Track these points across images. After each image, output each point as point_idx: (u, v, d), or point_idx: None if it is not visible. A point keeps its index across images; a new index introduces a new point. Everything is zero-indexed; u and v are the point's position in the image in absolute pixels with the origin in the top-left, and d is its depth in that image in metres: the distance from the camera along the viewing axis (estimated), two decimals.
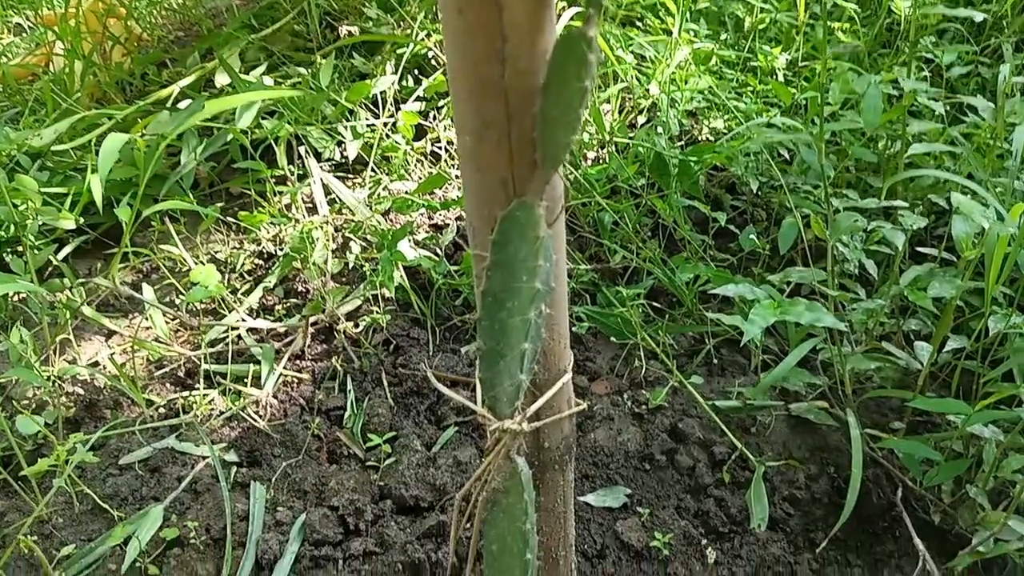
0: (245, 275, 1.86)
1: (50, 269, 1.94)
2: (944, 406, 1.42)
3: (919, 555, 1.60)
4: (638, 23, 2.55)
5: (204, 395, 1.56)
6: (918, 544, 1.52)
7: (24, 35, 3.48)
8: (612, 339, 1.82)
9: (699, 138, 2.30)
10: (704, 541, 1.47)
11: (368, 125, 1.92)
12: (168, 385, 1.64)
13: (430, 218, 1.89)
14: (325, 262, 1.68)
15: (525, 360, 0.80)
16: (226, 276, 1.85)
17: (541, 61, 0.70)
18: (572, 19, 1.96)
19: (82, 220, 1.94)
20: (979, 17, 1.64)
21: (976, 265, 1.62)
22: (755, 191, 2.04)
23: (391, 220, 1.82)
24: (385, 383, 1.59)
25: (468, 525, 0.93)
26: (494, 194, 0.78)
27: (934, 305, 1.62)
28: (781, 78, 2.45)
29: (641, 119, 2.24)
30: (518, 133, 0.74)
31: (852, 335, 1.72)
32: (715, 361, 1.83)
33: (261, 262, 1.90)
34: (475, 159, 0.78)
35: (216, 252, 1.92)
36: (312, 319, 1.62)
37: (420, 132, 2.04)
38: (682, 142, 2.25)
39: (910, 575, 1.59)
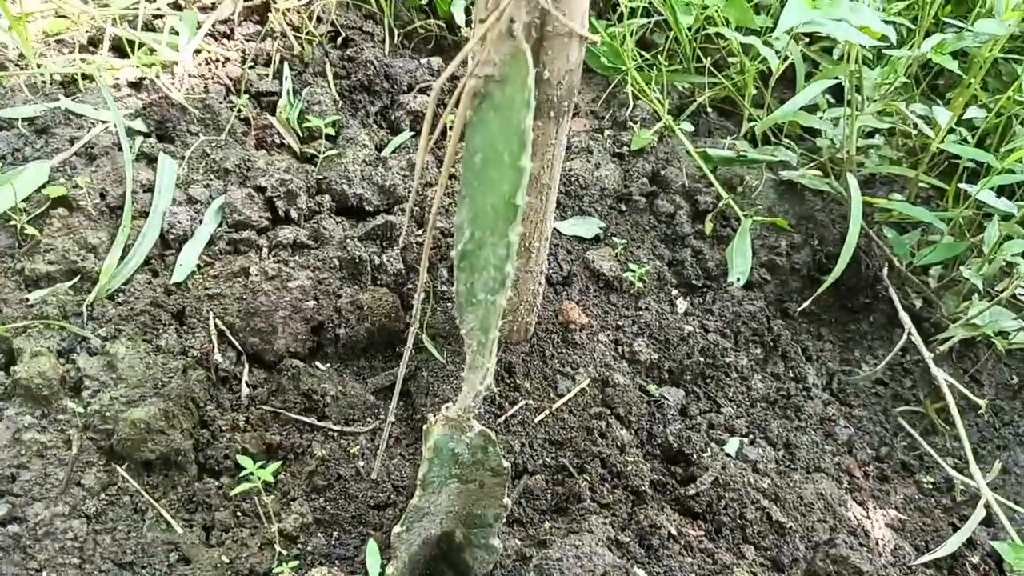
0: None
1: None
2: (971, 152, 1.26)
3: (893, 337, 1.50)
4: None
5: (107, 63, 1.28)
6: (904, 317, 1.40)
7: None
8: (597, 77, 1.59)
9: None
10: (675, 292, 1.32)
11: None
12: (65, 53, 1.35)
13: None
14: None
15: None
16: None
17: None
18: None
19: None
20: None
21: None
22: None
23: None
24: (330, 75, 1.33)
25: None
26: None
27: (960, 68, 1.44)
28: None
29: None
30: None
31: (864, 95, 1.53)
32: (704, 121, 1.63)
33: None
34: None
35: None
36: None
37: None
38: None
39: (882, 357, 1.49)
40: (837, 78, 1.40)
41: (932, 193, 1.62)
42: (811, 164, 1.56)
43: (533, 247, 0.96)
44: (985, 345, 1.49)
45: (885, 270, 1.49)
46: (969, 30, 1.57)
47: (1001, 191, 1.45)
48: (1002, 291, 1.39)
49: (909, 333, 1.37)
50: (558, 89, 0.80)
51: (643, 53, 1.66)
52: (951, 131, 1.50)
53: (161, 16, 1.39)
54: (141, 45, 1.29)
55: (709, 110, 1.67)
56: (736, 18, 1.46)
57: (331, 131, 1.22)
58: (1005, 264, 1.43)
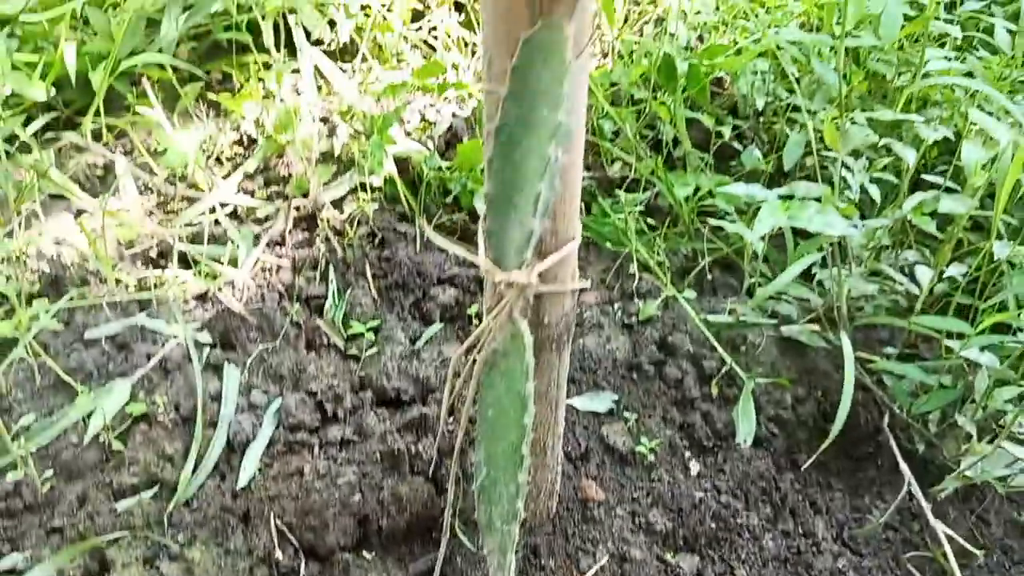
0: (224, 161, 1.76)
1: (17, 144, 1.83)
2: (945, 324, 1.38)
3: (901, 482, 1.59)
4: None
5: (176, 276, 1.48)
6: (904, 468, 1.50)
7: None
8: (605, 250, 1.76)
9: None
10: (688, 453, 1.44)
11: (362, 6, 1.80)
12: (139, 265, 1.56)
13: (422, 114, 1.80)
14: (311, 140, 1.58)
15: (539, 205, 0.73)
16: (204, 163, 1.75)
17: None
18: None
19: (53, 91, 1.83)
20: None
21: (982, 195, 1.58)
22: (759, 111, 1.97)
23: (382, 106, 1.73)
24: (369, 275, 1.52)
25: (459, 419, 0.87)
26: (518, 12, 0.70)
27: (937, 229, 1.58)
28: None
29: (648, 29, 2.15)
30: None
31: (852, 255, 1.67)
32: (708, 280, 1.78)
33: (242, 150, 1.80)
34: None
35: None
36: (295, 204, 1.54)
37: (416, 16, 1.93)
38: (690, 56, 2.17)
39: (891, 501, 1.57)
40: (821, 248, 1.55)
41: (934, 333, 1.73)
42: (808, 318, 1.69)
43: (547, 445, 1.10)
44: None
45: (886, 419, 1.59)
46: (950, 187, 1.73)
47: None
48: (994, 437, 1.48)
49: (909, 484, 1.46)
50: (557, 328, 0.96)
51: (648, 220, 1.84)
52: (940, 280, 1.63)
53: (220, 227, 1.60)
54: (206, 260, 1.49)
55: (713, 269, 1.83)
56: (723, 198, 1.63)
57: (371, 336, 1.39)
58: (996, 411, 1.53)
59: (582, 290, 1.69)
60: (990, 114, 1.80)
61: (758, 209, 1.52)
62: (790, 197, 1.65)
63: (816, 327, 1.66)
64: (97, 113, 1.72)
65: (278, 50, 1.78)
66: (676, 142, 1.92)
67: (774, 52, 1.86)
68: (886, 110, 1.51)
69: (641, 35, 2.08)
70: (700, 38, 2.24)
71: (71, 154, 1.83)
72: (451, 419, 1.32)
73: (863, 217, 1.77)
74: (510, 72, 0.70)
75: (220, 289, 1.42)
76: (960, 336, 1.54)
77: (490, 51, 0.75)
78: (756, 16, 2.01)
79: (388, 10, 1.80)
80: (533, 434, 0.92)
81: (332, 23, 1.79)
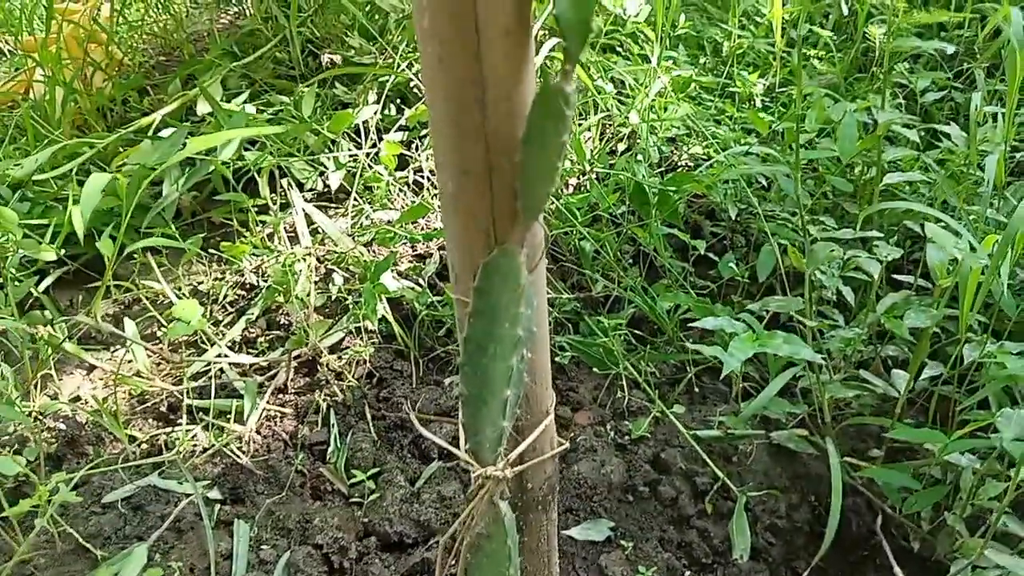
0: (228, 306, 1.86)
1: (31, 301, 1.93)
2: (920, 435, 1.44)
3: None
4: (619, 49, 2.58)
5: (187, 431, 1.55)
6: (898, 573, 1.54)
7: (4, 59, 3.46)
8: (595, 369, 1.83)
9: (679, 164, 2.33)
10: (688, 573, 1.48)
11: (350, 155, 1.92)
12: (150, 420, 1.63)
13: (413, 248, 1.89)
14: (308, 295, 1.68)
15: (508, 407, 0.80)
16: (208, 307, 1.84)
17: (521, 109, 0.72)
18: (552, 50, 1.98)
19: (63, 251, 1.93)
20: (950, 49, 1.67)
21: (951, 292, 1.65)
22: (734, 218, 2.06)
23: (374, 251, 1.83)
24: (368, 417, 1.59)
25: (453, 564, 0.93)
26: (476, 241, 0.79)
27: (910, 332, 1.65)
28: (759, 103, 2.49)
29: (621, 146, 2.26)
30: (499, 180, 0.75)
31: (831, 361, 1.74)
32: (696, 389, 1.85)
33: (244, 293, 1.89)
34: (457, 205, 0.79)
35: (199, 283, 1.91)
36: (295, 353, 1.62)
37: (403, 161, 2.05)
38: (662, 168, 2.28)
39: None
40: (796, 365, 1.61)
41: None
42: (795, 422, 1.75)
43: None
44: None
45: (879, 520, 1.64)
46: (921, 285, 1.81)
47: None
48: (986, 531, 1.52)
49: None
50: (541, 491, 1.02)
51: (635, 332, 1.91)
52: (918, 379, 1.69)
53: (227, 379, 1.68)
54: (213, 416, 1.57)
55: (702, 376, 1.89)
56: (702, 314, 1.70)
57: (372, 484, 1.45)
58: (983, 508, 1.57)
59: (575, 410, 1.75)
60: (952, 212, 1.90)
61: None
62: (762, 317, 1.73)
63: (804, 431, 1.72)
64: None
65: (273, 203, 1.90)
66: (658, 252, 2.01)
67: (743, 162, 1.97)
68: (847, 230, 1.59)
69: (615, 155, 2.20)
70: (673, 141, 2.36)
71: (83, 307, 1.93)
72: (453, 564, 1.37)
73: (843, 310, 1.85)
74: (473, 291, 0.79)
75: (227, 447, 1.49)
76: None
77: (455, 268, 0.83)
78: (720, 128, 2.12)
79: (375, 161, 1.92)
80: None
81: (323, 173, 1.91)
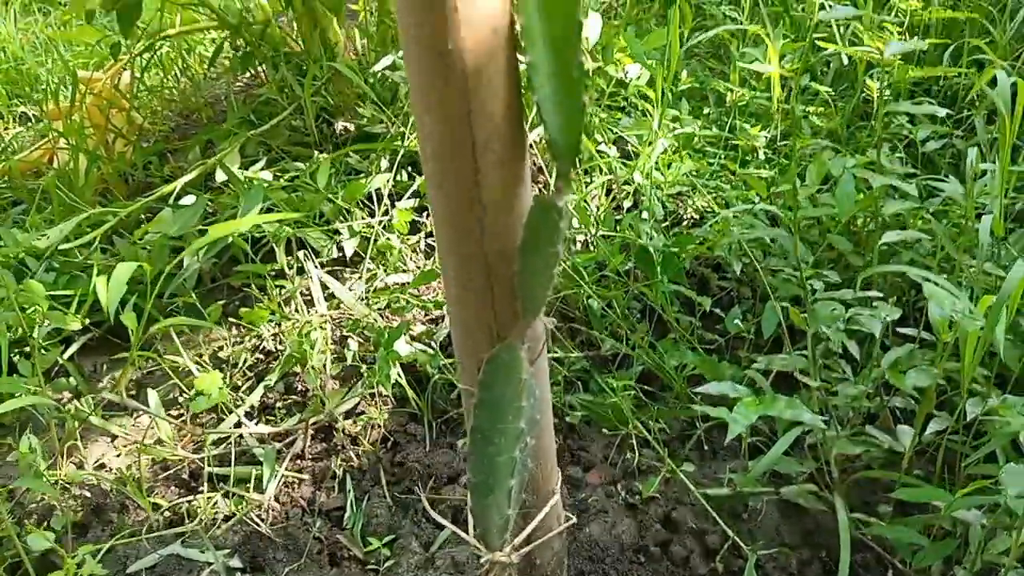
0: (247, 371, 1.91)
1: (56, 368, 2.00)
2: (925, 495, 1.46)
3: None
4: (624, 107, 2.65)
5: (208, 498, 1.60)
6: None
7: (29, 124, 3.58)
8: (606, 426, 1.87)
9: (684, 217, 2.38)
10: None
11: (364, 223, 1.99)
12: (173, 487, 1.68)
13: (426, 312, 1.95)
14: (324, 365, 1.73)
15: (512, 495, 0.85)
16: (228, 373, 1.90)
17: (517, 225, 0.77)
18: None
19: (88, 321, 2.00)
20: (941, 112, 1.72)
21: (954, 346, 1.68)
22: (739, 273, 2.10)
23: (387, 316, 1.88)
24: (383, 481, 1.63)
25: None
26: (479, 339, 0.84)
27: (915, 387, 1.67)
28: (762, 156, 2.54)
29: (627, 203, 2.32)
30: (499, 287, 0.81)
31: (836, 412, 1.76)
32: (706, 447, 1.88)
33: (262, 357, 1.95)
34: (461, 309, 0.84)
35: (219, 348, 1.97)
36: (312, 420, 1.67)
37: (415, 227, 2.12)
38: (667, 222, 2.33)
39: None
40: (802, 424, 1.64)
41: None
42: (804, 477, 1.77)
43: None
44: None
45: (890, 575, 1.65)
46: (924, 339, 1.83)
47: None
48: None
49: None
50: (549, 567, 1.06)
51: (645, 388, 1.95)
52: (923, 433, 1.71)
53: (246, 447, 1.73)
54: (233, 483, 1.61)
55: (712, 431, 1.92)
56: (708, 373, 1.74)
57: (387, 550, 1.49)
58: (992, 563, 1.58)
59: (586, 470, 1.79)
60: (952, 264, 1.93)
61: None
62: (768, 372, 1.76)
63: (813, 487, 1.74)
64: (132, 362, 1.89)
65: (290, 267, 1.96)
66: (664, 310, 2.05)
67: (746, 221, 2.02)
68: (847, 290, 1.63)
69: (621, 210, 2.25)
70: (679, 195, 2.41)
71: (106, 373, 1.99)
72: None
73: (850, 361, 1.88)
74: (477, 385, 0.84)
75: (247, 516, 1.53)
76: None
77: (461, 361, 0.88)
78: (723, 188, 2.18)
79: (386, 228, 1.99)
80: None
81: (337, 242, 1.97)
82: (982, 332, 1.51)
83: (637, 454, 1.77)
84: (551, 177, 2.29)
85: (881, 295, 1.69)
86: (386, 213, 2.05)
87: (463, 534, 0.89)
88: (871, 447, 1.68)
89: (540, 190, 2.24)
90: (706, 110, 2.78)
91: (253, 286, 2.01)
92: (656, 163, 2.23)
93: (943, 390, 1.83)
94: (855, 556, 1.65)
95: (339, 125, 2.29)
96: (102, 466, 1.76)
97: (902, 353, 1.75)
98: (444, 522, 0.92)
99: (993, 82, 1.76)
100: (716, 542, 1.63)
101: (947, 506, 1.43)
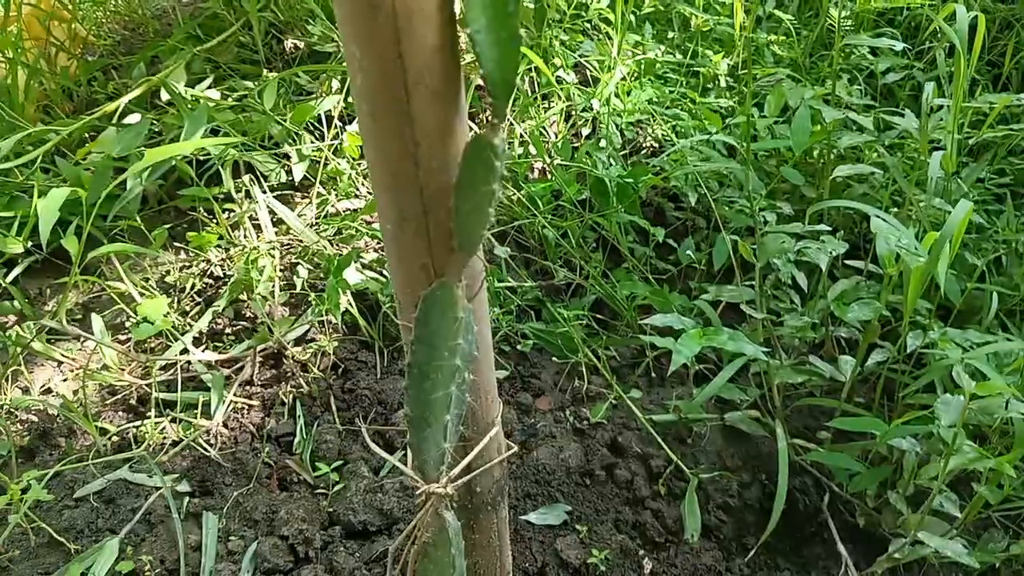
0: (195, 296, 1.88)
1: None
2: (861, 424, 1.51)
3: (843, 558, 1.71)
4: (587, 30, 2.58)
5: (156, 423, 1.59)
6: (840, 548, 1.62)
7: None
8: (557, 354, 1.89)
9: (643, 146, 2.36)
10: (641, 552, 1.55)
11: (314, 147, 1.94)
12: (120, 412, 1.67)
13: (378, 240, 1.92)
14: (272, 292, 1.71)
15: (448, 429, 0.85)
16: (176, 297, 1.87)
17: (453, 162, 0.75)
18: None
19: (30, 244, 1.95)
20: (899, 46, 1.70)
21: (899, 279, 1.71)
22: (694, 204, 2.11)
23: (337, 244, 1.86)
24: (334, 408, 1.64)
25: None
26: (415, 276, 0.83)
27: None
28: (723, 83, 2.52)
29: (586, 130, 2.29)
30: (435, 223, 0.79)
31: (782, 342, 1.80)
32: (654, 374, 1.91)
33: (211, 282, 1.92)
34: (396, 245, 0.83)
35: (166, 273, 1.94)
36: (260, 347, 1.66)
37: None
38: (626, 151, 2.31)
39: None
40: (745, 356, 1.67)
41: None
42: (748, 403, 1.81)
43: None
44: None
45: (826, 499, 1.72)
46: (872, 271, 1.86)
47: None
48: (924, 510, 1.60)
49: (846, 564, 1.58)
50: (490, 494, 1.08)
51: (597, 316, 1.97)
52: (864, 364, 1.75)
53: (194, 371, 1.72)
54: (181, 408, 1.61)
55: (660, 359, 1.95)
56: (658, 303, 1.75)
57: (336, 476, 1.50)
58: (925, 487, 1.65)
59: (536, 396, 1.81)
60: (903, 203, 1.95)
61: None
62: (717, 303, 1.78)
63: (756, 413, 1.79)
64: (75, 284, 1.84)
65: (238, 191, 1.92)
66: (619, 241, 2.05)
67: (703, 152, 2.00)
68: (796, 224, 1.64)
69: (580, 137, 2.22)
70: (638, 123, 2.39)
71: (51, 297, 1.95)
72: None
73: (799, 291, 1.91)
74: (414, 321, 0.83)
75: (195, 442, 1.53)
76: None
77: (399, 298, 0.87)
78: (682, 118, 2.15)
79: (337, 153, 1.94)
80: None
81: (286, 165, 1.92)
82: (925, 266, 1.54)
83: (586, 381, 1.79)
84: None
85: (832, 228, 1.70)
86: (336, 137, 2.00)
87: (402, 466, 0.90)
88: (813, 376, 1.72)
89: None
90: (670, 34, 2.73)
91: (201, 210, 1.96)
92: (616, 90, 2.20)
93: (887, 321, 1.87)
94: (794, 480, 1.71)
95: (288, 43, 2.21)
96: (48, 391, 1.74)
97: (848, 285, 1.78)
98: (384, 454, 0.93)
99: (953, 17, 1.74)
100: (660, 466, 1.67)
101: (883, 434, 1.48)
